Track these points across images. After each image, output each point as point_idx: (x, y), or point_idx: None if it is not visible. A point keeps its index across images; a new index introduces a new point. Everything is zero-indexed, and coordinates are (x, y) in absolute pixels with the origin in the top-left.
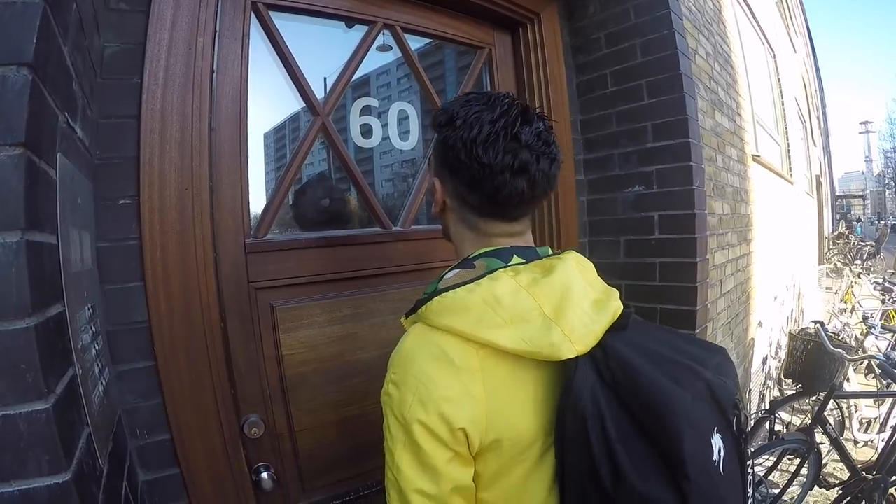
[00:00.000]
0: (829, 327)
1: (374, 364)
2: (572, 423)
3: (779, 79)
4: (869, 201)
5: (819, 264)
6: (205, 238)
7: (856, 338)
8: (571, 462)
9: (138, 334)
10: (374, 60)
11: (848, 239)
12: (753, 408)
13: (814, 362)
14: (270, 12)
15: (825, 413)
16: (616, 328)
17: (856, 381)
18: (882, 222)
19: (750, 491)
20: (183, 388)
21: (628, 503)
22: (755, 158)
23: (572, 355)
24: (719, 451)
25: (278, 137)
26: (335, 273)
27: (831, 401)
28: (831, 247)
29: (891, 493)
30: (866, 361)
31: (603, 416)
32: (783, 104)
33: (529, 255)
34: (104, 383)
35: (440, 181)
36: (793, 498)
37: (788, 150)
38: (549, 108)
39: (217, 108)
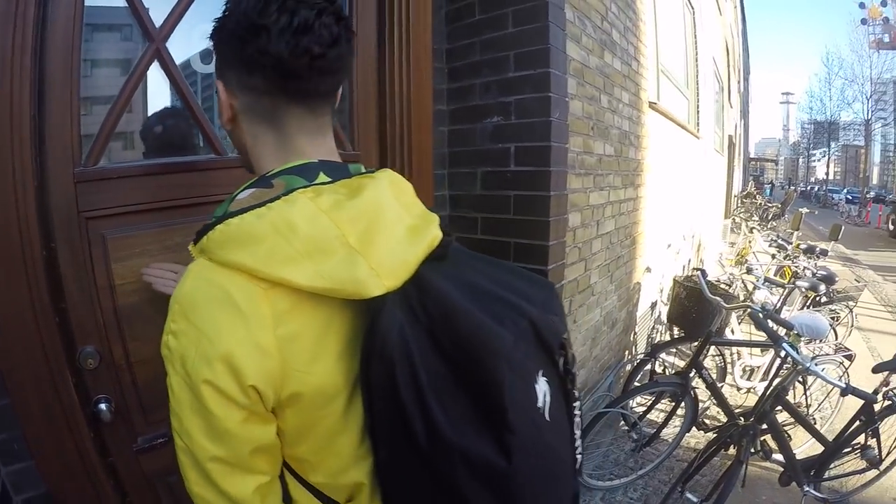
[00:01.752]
0: (723, 278)
1: None
2: (379, 370)
3: (695, 35)
4: (782, 167)
5: (725, 219)
6: (24, 168)
7: (747, 289)
8: (381, 414)
9: None
10: None
11: (756, 199)
12: (640, 350)
13: (694, 308)
14: None
15: (702, 358)
16: (433, 259)
17: (740, 330)
18: (791, 187)
19: (578, 433)
20: (6, 318)
21: (445, 459)
22: (652, 105)
23: (381, 292)
24: (545, 396)
25: (117, 65)
26: (167, 200)
27: (712, 347)
28: (738, 205)
29: (764, 440)
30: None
31: (413, 362)
32: (697, 61)
33: (338, 173)
34: None
35: (222, 82)
36: (672, 437)
37: (698, 106)
38: (409, 35)
39: (48, 37)
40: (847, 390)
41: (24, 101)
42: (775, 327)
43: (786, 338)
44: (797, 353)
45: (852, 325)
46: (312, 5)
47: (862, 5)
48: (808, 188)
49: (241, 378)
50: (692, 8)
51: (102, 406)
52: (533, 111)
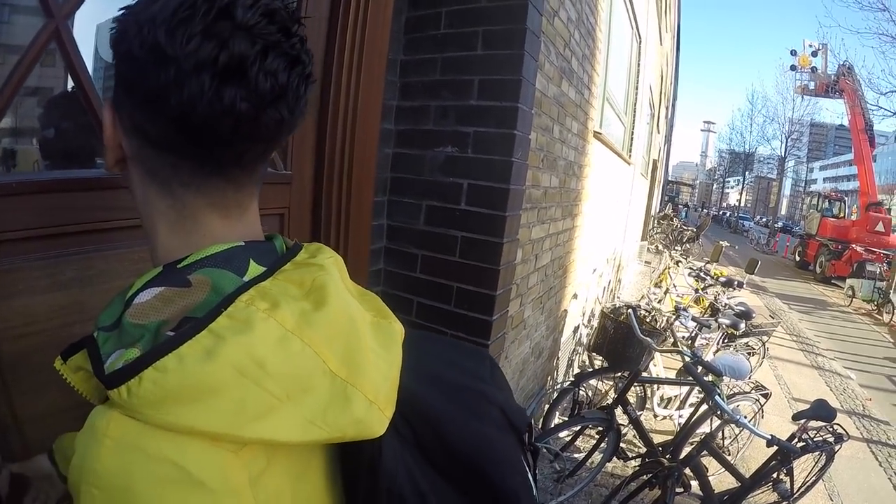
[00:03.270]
0: (643, 303)
1: None
2: None
3: (639, 64)
4: (697, 191)
5: (642, 240)
6: None
7: (667, 319)
8: None
9: None
10: None
11: (672, 221)
12: (561, 374)
13: (622, 343)
14: None
15: (627, 394)
16: None
17: (660, 359)
18: (706, 211)
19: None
20: None
21: None
22: (596, 135)
23: (385, 427)
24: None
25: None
26: (59, 226)
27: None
28: (655, 226)
29: (684, 474)
30: (671, 343)
31: (421, 491)
32: (637, 88)
33: (269, 258)
34: None
35: (113, 108)
36: (593, 464)
37: (632, 132)
38: (363, 39)
39: None
40: (772, 442)
41: None
42: (700, 370)
43: (716, 388)
44: (727, 405)
45: (764, 357)
46: (259, 34)
47: (794, 52)
48: (721, 213)
49: None
50: (640, 37)
51: None
52: (493, 148)
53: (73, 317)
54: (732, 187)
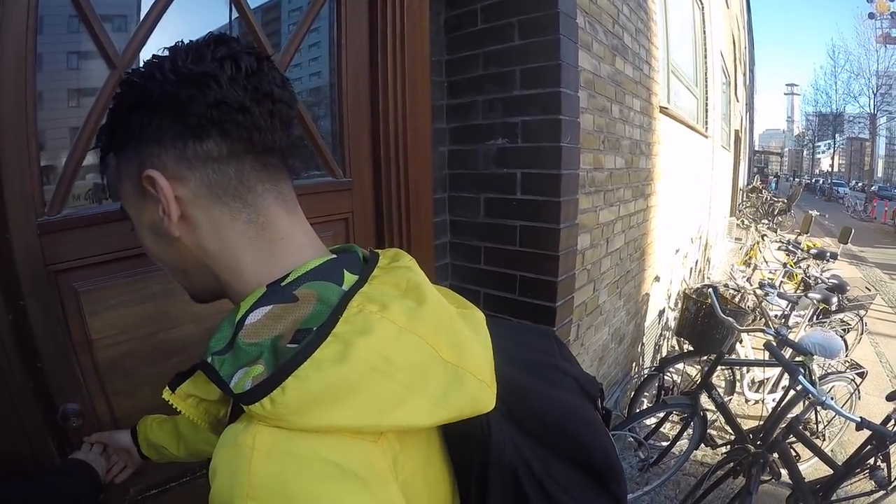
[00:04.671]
0: (731, 283)
1: (191, 341)
2: (499, 477)
3: (704, 31)
4: (786, 159)
5: (731, 216)
6: None
7: (753, 298)
8: None
9: None
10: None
11: (761, 193)
12: (647, 361)
13: (705, 325)
14: None
15: (711, 378)
16: None
17: (749, 340)
18: (797, 180)
19: None
20: None
21: None
22: (663, 110)
23: (493, 402)
24: None
25: (76, 99)
26: (141, 248)
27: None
28: (744, 200)
29: (773, 461)
30: (762, 322)
31: (527, 459)
32: (706, 57)
33: (357, 266)
34: None
35: (156, 171)
36: (679, 452)
37: (706, 104)
38: (402, 45)
39: None
40: (862, 425)
41: None
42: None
43: (800, 369)
44: (814, 386)
45: (862, 333)
46: (248, 50)
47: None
48: (813, 181)
49: None
50: (701, 4)
51: None
52: (541, 135)
53: (159, 326)
54: (823, 152)
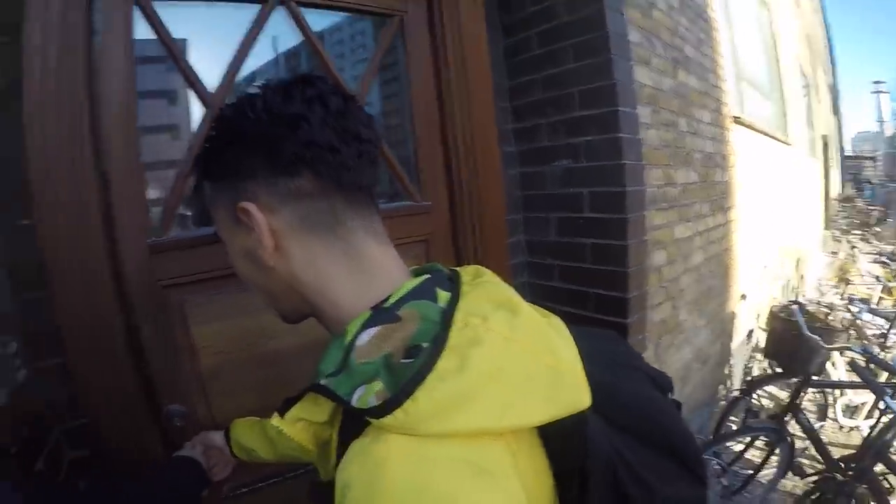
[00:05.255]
0: (822, 300)
1: (288, 352)
2: (598, 467)
3: (773, 35)
4: (881, 163)
5: (825, 228)
6: (97, 250)
7: (846, 314)
8: (601, 501)
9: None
10: (287, 40)
11: (854, 203)
12: (736, 383)
13: (791, 344)
14: (154, 3)
15: (798, 401)
16: None
17: (843, 364)
18: (893, 185)
19: None
20: (91, 380)
21: None
22: (736, 120)
23: (590, 398)
24: None
25: (176, 132)
26: None
27: (809, 388)
28: (838, 209)
29: (862, 494)
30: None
31: (619, 449)
32: (779, 62)
33: (445, 284)
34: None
35: (251, 203)
36: (767, 480)
37: (785, 111)
38: (465, 74)
39: (105, 117)
40: None
41: (90, 194)
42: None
43: (887, 389)
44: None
45: None
46: (334, 91)
47: None
48: None
49: None
50: (767, 6)
51: None
52: (602, 154)
53: (257, 337)
54: None
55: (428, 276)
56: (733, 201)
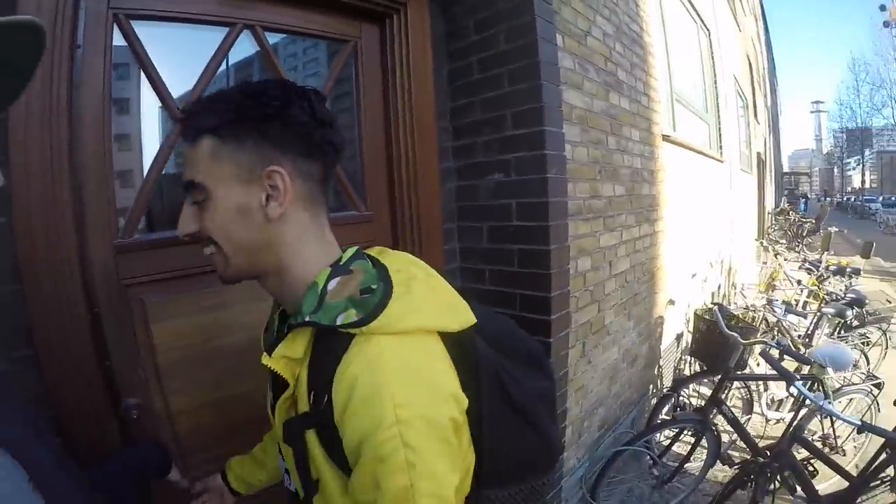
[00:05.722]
0: (743, 303)
1: (243, 347)
2: (487, 370)
3: (712, 57)
4: (817, 178)
5: (758, 239)
6: (70, 249)
7: (767, 320)
8: (488, 393)
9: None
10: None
11: (789, 215)
12: (667, 383)
13: (713, 342)
14: (132, 21)
15: (722, 394)
16: None
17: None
18: (827, 199)
19: None
20: (59, 373)
21: (531, 401)
22: (666, 138)
23: (475, 319)
24: None
25: (146, 141)
26: (201, 266)
27: (734, 381)
28: (772, 223)
29: (789, 476)
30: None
31: (501, 361)
32: (716, 83)
33: (361, 253)
34: None
35: (279, 166)
36: (695, 470)
37: (719, 129)
38: (411, 96)
39: (80, 127)
40: (863, 428)
41: (64, 196)
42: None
43: (796, 375)
44: (827, 398)
45: (887, 347)
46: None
47: (883, 7)
48: (845, 199)
49: (461, 405)
50: (707, 30)
51: None
52: (530, 168)
53: (212, 333)
54: (853, 168)
55: (356, 248)
56: (660, 213)
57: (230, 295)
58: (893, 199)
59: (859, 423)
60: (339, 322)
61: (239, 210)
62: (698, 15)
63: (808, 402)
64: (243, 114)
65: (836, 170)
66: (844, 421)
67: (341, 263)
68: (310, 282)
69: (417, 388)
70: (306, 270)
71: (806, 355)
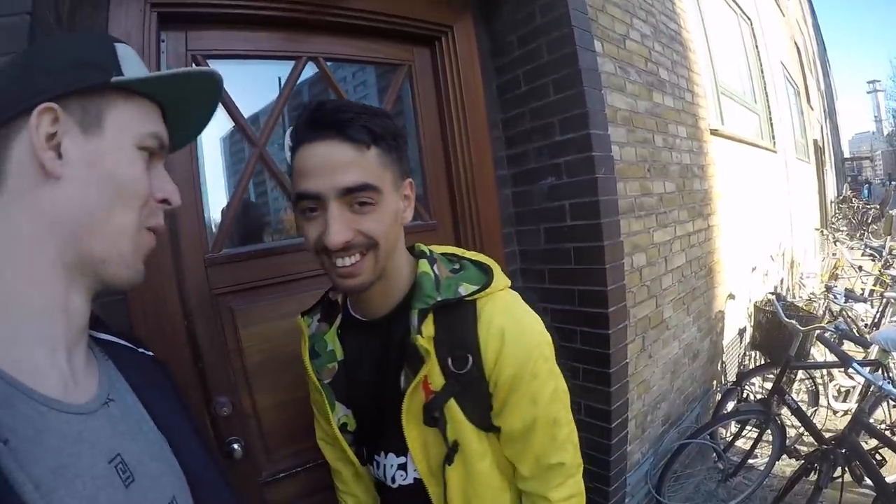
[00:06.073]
0: (804, 294)
1: None
2: None
3: (756, 46)
4: (880, 162)
5: (820, 228)
6: (167, 264)
7: (831, 308)
8: None
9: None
10: (317, 87)
11: (852, 203)
12: (731, 378)
13: (774, 333)
14: (209, 61)
15: (784, 384)
16: None
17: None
18: (893, 183)
19: None
20: None
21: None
22: (714, 132)
23: None
24: None
25: (229, 166)
26: (280, 276)
27: (800, 371)
28: (836, 212)
29: (856, 464)
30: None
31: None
32: (762, 72)
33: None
34: None
35: (410, 181)
36: (761, 462)
37: (770, 118)
38: (464, 112)
39: (171, 157)
40: None
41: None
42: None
43: (854, 358)
44: (868, 372)
45: None
46: None
47: None
48: None
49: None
50: (748, 19)
51: (235, 446)
52: (580, 170)
53: (292, 338)
54: None
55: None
56: (714, 208)
57: (309, 301)
58: None
59: None
60: (462, 293)
61: (394, 215)
62: (737, 4)
63: (872, 387)
64: (398, 132)
65: None
66: None
67: (427, 254)
68: (407, 274)
69: (536, 320)
70: (403, 266)
71: (867, 339)
